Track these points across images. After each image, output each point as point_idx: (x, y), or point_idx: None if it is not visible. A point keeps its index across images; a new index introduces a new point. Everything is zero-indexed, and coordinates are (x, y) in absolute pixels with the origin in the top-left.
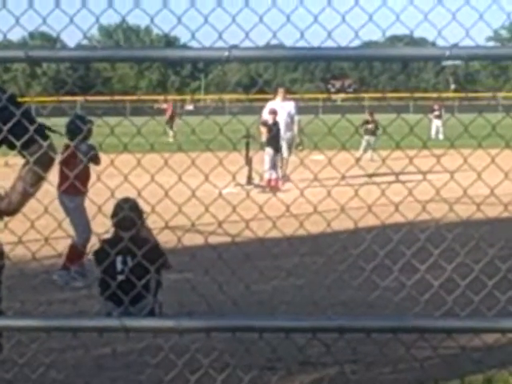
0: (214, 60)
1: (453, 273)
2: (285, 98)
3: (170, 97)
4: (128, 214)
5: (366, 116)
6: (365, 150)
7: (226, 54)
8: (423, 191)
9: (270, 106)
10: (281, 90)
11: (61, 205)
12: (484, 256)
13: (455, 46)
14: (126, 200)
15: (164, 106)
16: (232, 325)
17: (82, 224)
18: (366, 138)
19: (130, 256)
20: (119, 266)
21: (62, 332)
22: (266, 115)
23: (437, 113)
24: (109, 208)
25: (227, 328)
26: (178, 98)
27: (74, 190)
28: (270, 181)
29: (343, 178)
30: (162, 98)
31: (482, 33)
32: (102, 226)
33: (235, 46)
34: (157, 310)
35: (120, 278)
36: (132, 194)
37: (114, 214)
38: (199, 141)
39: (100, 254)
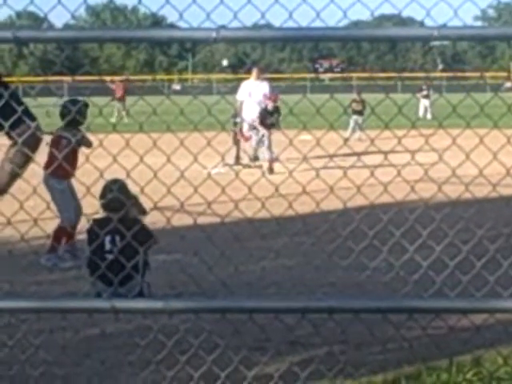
0: (201, 41)
1: (441, 253)
2: (259, 78)
3: (117, 77)
4: (116, 195)
5: (354, 95)
6: (353, 130)
7: (214, 34)
8: (412, 171)
9: (244, 86)
10: (255, 70)
11: (46, 186)
12: (472, 236)
13: (443, 26)
14: (115, 181)
15: (113, 85)
16: (221, 306)
17: (67, 206)
18: (354, 117)
19: (119, 236)
20: (108, 246)
21: (51, 313)
22: (241, 96)
23: (425, 92)
24: (97, 189)
25: (216, 309)
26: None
27: (62, 172)
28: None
29: (331, 158)
30: (150, 77)
31: (469, 12)
32: (92, 207)
33: (223, 27)
34: (145, 290)
35: (109, 257)
36: (121, 175)
37: (103, 196)
38: (187, 121)
39: (90, 234)
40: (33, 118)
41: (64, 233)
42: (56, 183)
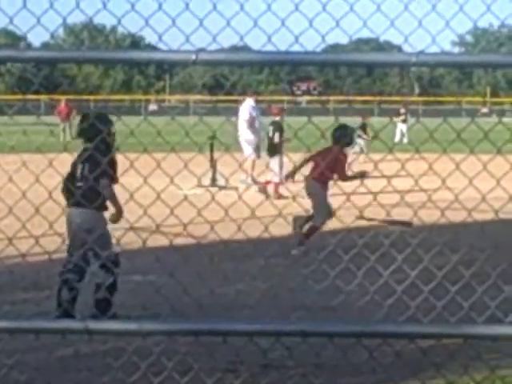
0: (180, 63)
1: (416, 278)
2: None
3: (63, 96)
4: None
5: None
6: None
7: (193, 57)
8: (388, 196)
9: (248, 106)
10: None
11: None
12: (447, 262)
13: (421, 52)
14: (94, 113)
15: (62, 105)
16: (195, 328)
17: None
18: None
19: (88, 164)
20: (78, 173)
21: (24, 333)
22: (245, 115)
23: (403, 117)
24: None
25: (191, 331)
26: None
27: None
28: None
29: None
30: (127, 97)
31: (447, 37)
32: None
33: (202, 49)
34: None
35: (77, 184)
36: None
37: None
38: (164, 142)
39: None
40: None
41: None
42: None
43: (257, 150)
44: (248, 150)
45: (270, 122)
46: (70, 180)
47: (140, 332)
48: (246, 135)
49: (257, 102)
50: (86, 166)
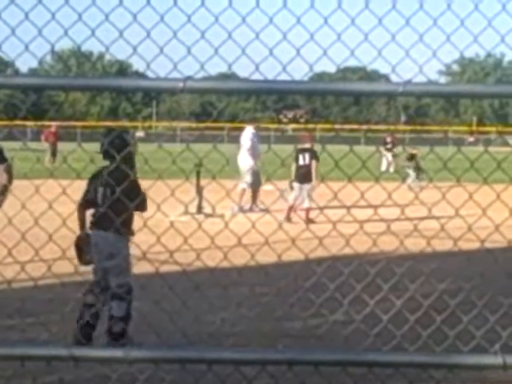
0: (168, 90)
1: (402, 307)
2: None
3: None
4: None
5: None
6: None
7: (181, 84)
8: (374, 224)
9: (250, 134)
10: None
11: None
12: (433, 291)
13: (408, 82)
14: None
15: (53, 129)
16: (181, 356)
17: None
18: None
19: (110, 189)
20: (99, 199)
21: (8, 360)
22: (247, 143)
23: (389, 146)
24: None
25: (176, 359)
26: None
27: None
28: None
29: (294, 210)
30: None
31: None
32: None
33: (190, 77)
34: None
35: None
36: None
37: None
38: (150, 170)
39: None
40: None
41: None
42: None
43: (258, 177)
44: (247, 179)
45: (299, 149)
46: (88, 200)
47: (126, 359)
48: (247, 163)
49: (257, 129)
50: (108, 189)
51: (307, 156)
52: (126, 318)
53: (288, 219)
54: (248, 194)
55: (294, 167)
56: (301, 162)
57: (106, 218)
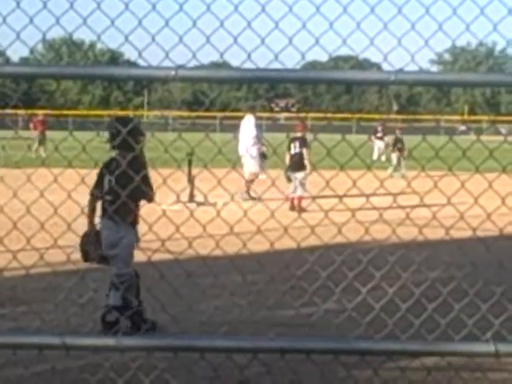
0: (160, 79)
1: (394, 296)
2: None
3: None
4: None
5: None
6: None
7: (173, 73)
8: (366, 213)
9: (253, 122)
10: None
11: None
12: (425, 279)
13: (400, 70)
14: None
15: (40, 117)
16: (173, 344)
17: None
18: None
19: (115, 176)
20: (106, 186)
21: (2, 348)
22: (252, 131)
23: (379, 134)
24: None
25: (169, 347)
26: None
27: None
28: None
29: (287, 199)
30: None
31: (425, 55)
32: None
33: (182, 66)
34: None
35: (106, 197)
36: (75, 211)
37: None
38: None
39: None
40: None
41: None
42: None
43: (261, 164)
44: (253, 166)
45: (292, 138)
46: (97, 190)
47: (118, 347)
48: (252, 151)
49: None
50: (113, 179)
51: (297, 144)
52: (121, 308)
53: (293, 208)
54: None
55: (287, 157)
56: (292, 151)
57: (116, 207)
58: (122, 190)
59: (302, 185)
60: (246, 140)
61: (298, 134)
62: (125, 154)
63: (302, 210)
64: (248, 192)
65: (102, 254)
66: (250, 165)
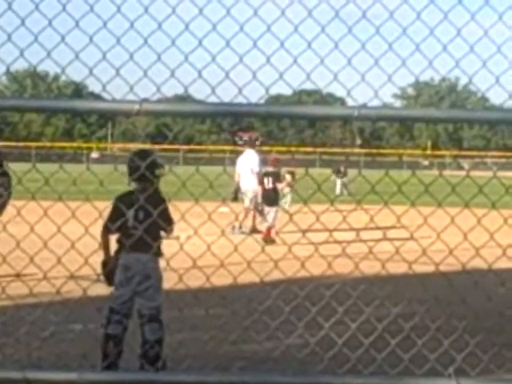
0: (124, 113)
1: (357, 330)
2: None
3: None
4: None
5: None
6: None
7: (137, 107)
8: (330, 247)
9: (258, 158)
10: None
11: None
12: (388, 314)
13: (363, 106)
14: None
15: None
16: (136, 379)
17: None
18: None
19: (142, 211)
20: (131, 221)
21: None
22: (256, 167)
23: (341, 175)
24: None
25: (131, 382)
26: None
27: None
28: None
29: (250, 233)
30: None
31: (389, 90)
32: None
33: (146, 100)
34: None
35: (133, 232)
36: (39, 244)
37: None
38: (106, 191)
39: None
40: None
41: None
42: None
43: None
44: (248, 201)
45: (264, 173)
46: (114, 223)
47: (80, 382)
48: (253, 186)
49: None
50: (140, 211)
51: (271, 179)
52: (160, 341)
53: (269, 240)
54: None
55: (260, 191)
56: (269, 186)
57: (140, 241)
58: (152, 222)
59: (274, 218)
60: (250, 176)
61: (271, 169)
62: (145, 186)
63: (271, 241)
64: (241, 226)
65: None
66: (248, 200)
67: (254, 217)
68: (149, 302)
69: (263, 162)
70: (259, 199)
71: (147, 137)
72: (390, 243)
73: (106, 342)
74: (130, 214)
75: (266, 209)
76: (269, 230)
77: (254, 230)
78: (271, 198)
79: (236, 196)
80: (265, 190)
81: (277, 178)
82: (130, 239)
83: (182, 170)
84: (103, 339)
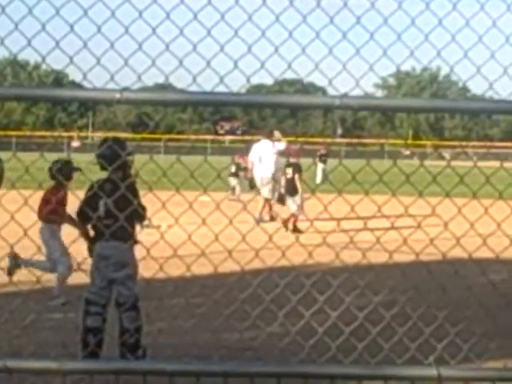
0: (105, 101)
1: (337, 319)
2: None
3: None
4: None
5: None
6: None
7: (118, 95)
8: (311, 237)
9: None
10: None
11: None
12: (368, 303)
13: (345, 95)
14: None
15: None
16: (116, 367)
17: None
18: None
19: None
20: (101, 209)
21: None
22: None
23: (323, 158)
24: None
25: (111, 371)
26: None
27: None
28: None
29: (230, 222)
30: (49, 134)
31: (370, 79)
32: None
33: (127, 88)
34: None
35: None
36: (19, 234)
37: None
38: (88, 180)
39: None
40: None
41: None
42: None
43: (274, 188)
44: (268, 192)
45: (287, 164)
46: (88, 210)
47: (60, 371)
48: (263, 174)
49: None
50: (109, 201)
51: (291, 170)
52: (139, 329)
53: (296, 230)
54: (260, 203)
55: (283, 181)
56: (289, 176)
57: (114, 229)
58: (123, 210)
59: (299, 207)
60: (269, 165)
61: (293, 160)
62: (117, 174)
63: (298, 231)
64: (261, 214)
65: None
66: (266, 191)
67: (263, 207)
68: (124, 289)
69: (282, 154)
70: (277, 188)
71: (128, 126)
72: (370, 233)
73: (86, 334)
74: (101, 202)
75: (289, 198)
76: (295, 218)
77: (261, 220)
78: (292, 187)
79: (253, 185)
80: (287, 180)
81: (297, 168)
82: (103, 228)
83: (163, 158)
84: (82, 332)
